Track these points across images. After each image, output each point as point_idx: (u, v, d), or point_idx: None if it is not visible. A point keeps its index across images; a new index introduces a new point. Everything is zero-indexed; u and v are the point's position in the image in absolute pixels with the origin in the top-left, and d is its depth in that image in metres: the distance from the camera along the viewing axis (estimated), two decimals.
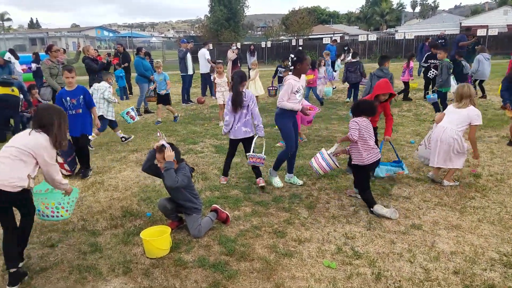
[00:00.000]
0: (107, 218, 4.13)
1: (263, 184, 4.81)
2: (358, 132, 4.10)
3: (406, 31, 31.22)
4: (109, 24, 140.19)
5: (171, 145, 3.67)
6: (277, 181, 4.93)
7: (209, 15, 38.42)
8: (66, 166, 5.46)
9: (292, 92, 4.51)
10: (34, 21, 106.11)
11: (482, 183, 4.84)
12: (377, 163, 4.27)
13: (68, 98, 5.13)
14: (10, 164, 2.88)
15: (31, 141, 2.97)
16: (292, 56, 4.66)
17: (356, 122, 4.14)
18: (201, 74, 12.30)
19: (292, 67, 4.64)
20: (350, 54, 15.79)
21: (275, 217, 4.07)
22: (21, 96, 8.06)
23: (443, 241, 3.52)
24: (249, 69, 11.02)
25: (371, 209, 4.06)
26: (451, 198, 4.45)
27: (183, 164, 3.72)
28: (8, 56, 8.95)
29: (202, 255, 3.35)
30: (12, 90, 7.63)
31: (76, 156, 5.56)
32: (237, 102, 4.69)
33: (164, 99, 8.82)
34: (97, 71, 9.10)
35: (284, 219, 4.00)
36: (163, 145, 3.57)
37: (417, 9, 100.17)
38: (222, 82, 8.44)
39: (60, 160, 5.27)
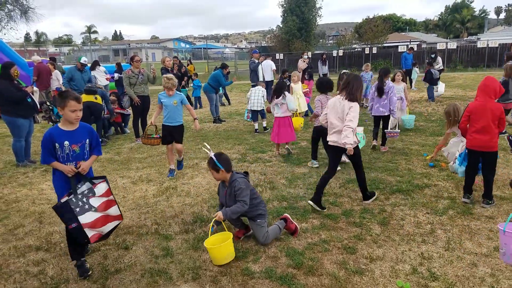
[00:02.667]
0: (179, 223, 4.29)
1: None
2: None
3: (489, 39, 28.67)
4: (185, 36, 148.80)
5: (220, 154, 3.66)
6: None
7: (281, 25, 38.90)
8: None
9: None
10: (118, 33, 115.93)
11: None
12: None
13: (66, 142, 3.23)
14: None
15: None
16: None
17: None
18: (266, 81, 12.70)
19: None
20: (440, 61, 14.97)
21: (345, 231, 3.91)
22: (104, 104, 8.78)
23: None
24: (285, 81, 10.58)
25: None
26: None
27: (235, 177, 3.61)
28: (84, 59, 9.58)
29: (269, 266, 3.32)
30: (96, 98, 8.26)
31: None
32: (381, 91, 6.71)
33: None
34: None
35: (355, 235, 3.83)
36: (211, 158, 3.58)
37: (502, 15, 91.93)
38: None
39: None
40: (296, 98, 8.78)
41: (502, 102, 6.88)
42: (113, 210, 3.36)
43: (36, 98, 7.17)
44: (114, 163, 6.80)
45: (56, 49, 51.08)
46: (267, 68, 12.80)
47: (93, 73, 12.38)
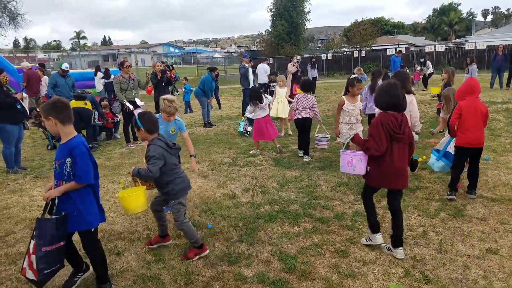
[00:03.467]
0: (171, 228, 4.23)
1: None
2: None
3: (477, 41, 29.15)
4: (175, 40, 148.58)
5: (144, 113, 3.44)
6: None
7: (270, 29, 39.06)
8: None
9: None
10: (107, 38, 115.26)
11: None
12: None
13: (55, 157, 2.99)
14: None
15: None
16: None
17: None
18: (259, 83, 13.16)
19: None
20: (430, 66, 15.24)
21: (337, 235, 3.91)
22: (94, 110, 8.71)
23: None
24: (268, 85, 10.90)
25: None
26: None
27: (152, 142, 3.38)
28: (65, 65, 9.40)
29: (262, 271, 3.29)
30: (85, 104, 8.22)
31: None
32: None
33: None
34: (155, 86, 9.66)
35: (347, 238, 3.82)
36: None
37: (489, 17, 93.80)
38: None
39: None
40: (278, 102, 8.71)
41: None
42: None
43: (25, 104, 7.07)
44: (105, 169, 6.72)
45: (45, 55, 50.55)
46: (262, 72, 13.19)
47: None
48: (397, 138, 3.29)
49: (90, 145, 8.20)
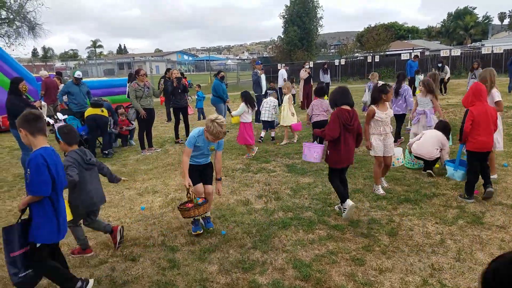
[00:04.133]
0: (185, 234, 4.26)
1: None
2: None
3: (494, 45, 28.65)
4: (188, 48, 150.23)
5: (63, 127, 3.70)
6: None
7: (282, 36, 39.18)
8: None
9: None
10: (122, 47, 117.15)
11: None
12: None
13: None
14: None
15: None
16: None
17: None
18: (279, 88, 13.44)
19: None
20: (447, 71, 15.04)
21: (352, 243, 3.86)
22: (110, 117, 8.83)
23: None
24: (266, 92, 10.92)
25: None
26: None
27: (68, 154, 3.57)
28: (78, 73, 9.50)
29: (277, 279, 3.27)
30: (102, 111, 8.36)
31: None
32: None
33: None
34: (171, 93, 9.71)
35: (363, 246, 3.77)
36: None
37: (506, 21, 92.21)
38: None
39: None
40: (282, 110, 8.79)
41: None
42: None
43: (44, 112, 7.22)
44: (121, 175, 6.69)
45: (62, 64, 51.63)
46: (280, 77, 14.35)
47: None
48: (348, 129, 4.35)
49: (106, 152, 8.33)
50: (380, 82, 11.37)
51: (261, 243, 3.92)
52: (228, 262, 3.58)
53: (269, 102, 8.86)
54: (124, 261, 3.73)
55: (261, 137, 9.08)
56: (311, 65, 24.06)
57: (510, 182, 5.29)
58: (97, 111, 8.26)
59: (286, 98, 8.80)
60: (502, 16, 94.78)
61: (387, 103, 5.22)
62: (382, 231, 4.07)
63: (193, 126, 11.64)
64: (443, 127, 6.02)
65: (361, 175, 6.06)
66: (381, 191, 5.14)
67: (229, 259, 3.64)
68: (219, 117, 3.96)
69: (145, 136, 8.53)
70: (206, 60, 58.26)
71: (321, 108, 7.44)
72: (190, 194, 3.98)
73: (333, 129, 4.29)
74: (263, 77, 12.01)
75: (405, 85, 8.07)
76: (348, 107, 4.40)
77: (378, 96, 5.14)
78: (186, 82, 11.32)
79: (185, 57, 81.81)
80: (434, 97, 6.68)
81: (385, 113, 5.11)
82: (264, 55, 56.13)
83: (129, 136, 9.71)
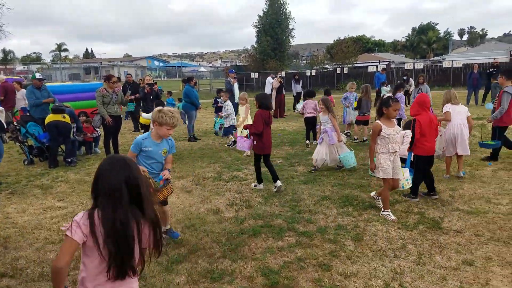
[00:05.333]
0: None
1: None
2: None
3: (454, 59, 30.26)
4: (159, 54, 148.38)
5: None
6: None
7: (255, 45, 39.58)
8: None
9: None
10: (89, 51, 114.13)
11: None
12: None
13: None
14: None
15: None
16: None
17: None
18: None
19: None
20: (412, 83, 15.69)
21: (320, 248, 3.95)
22: (74, 123, 8.58)
23: (497, 279, 3.26)
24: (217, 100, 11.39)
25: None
26: (505, 232, 4.14)
27: None
28: (39, 75, 9.10)
29: (245, 287, 3.30)
30: (64, 117, 8.03)
31: None
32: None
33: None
34: (142, 99, 9.62)
35: (329, 251, 3.87)
36: None
37: (465, 37, 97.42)
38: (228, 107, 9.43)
39: None
40: (238, 120, 8.99)
41: (360, 114, 9.39)
42: None
43: (2, 118, 6.92)
44: (84, 184, 6.62)
45: (24, 67, 49.55)
46: (267, 84, 15.62)
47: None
48: (268, 124, 5.79)
49: (69, 160, 8.02)
50: (386, 92, 11.55)
51: (230, 252, 3.95)
52: (196, 272, 3.57)
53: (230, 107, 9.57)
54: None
55: (232, 142, 9.23)
56: (283, 75, 24.40)
57: (467, 189, 5.59)
58: (59, 117, 7.95)
59: (242, 109, 8.68)
60: (461, 32, 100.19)
61: (394, 119, 4.70)
62: (348, 236, 4.20)
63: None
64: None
65: (329, 182, 6.21)
66: (392, 217, 4.63)
67: (197, 269, 3.63)
68: (165, 107, 3.81)
69: (111, 143, 8.35)
70: (178, 66, 57.72)
71: (311, 107, 9.00)
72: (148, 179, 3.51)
73: (258, 125, 5.65)
74: (236, 85, 12.10)
75: (399, 94, 8.80)
76: (267, 110, 5.82)
77: (380, 110, 4.64)
78: (157, 88, 11.12)
79: (156, 62, 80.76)
80: (332, 115, 6.76)
81: (392, 129, 4.56)
82: (238, 64, 56.35)
83: (93, 144, 9.45)
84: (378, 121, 4.64)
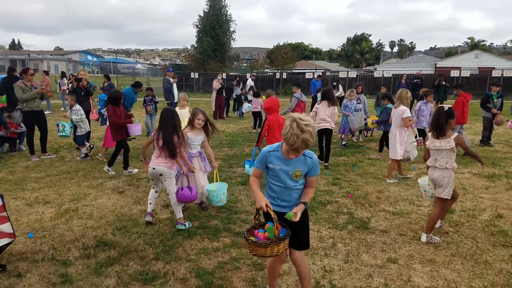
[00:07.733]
0: (80, 247, 3.98)
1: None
2: None
3: (384, 69, 32.62)
4: (93, 49, 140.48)
5: None
6: None
7: (196, 45, 39.10)
8: None
9: None
10: (16, 42, 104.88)
11: (455, 218, 4.92)
12: None
13: None
14: None
15: None
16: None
17: None
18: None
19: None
20: (341, 89, 16.48)
21: None
22: None
23: (418, 275, 3.53)
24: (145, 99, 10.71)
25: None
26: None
27: None
28: None
29: None
30: None
31: None
32: None
33: None
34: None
35: None
36: None
37: (395, 49, 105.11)
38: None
39: None
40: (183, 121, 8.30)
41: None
42: (6, 227, 3.35)
43: None
44: (7, 183, 6.08)
45: None
46: (248, 86, 17.18)
47: None
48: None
49: None
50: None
51: (164, 253, 3.86)
52: (127, 275, 3.44)
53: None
54: (8, 278, 3.35)
55: (84, 154, 8.45)
56: (224, 77, 24.43)
57: (393, 191, 6.02)
58: None
59: (183, 112, 7.51)
60: (392, 44, 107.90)
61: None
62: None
63: (95, 131, 10.94)
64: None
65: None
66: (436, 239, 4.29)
67: (128, 271, 3.50)
68: (303, 116, 2.51)
69: (40, 140, 7.82)
70: (113, 62, 54.89)
71: (258, 103, 11.96)
72: (259, 216, 2.74)
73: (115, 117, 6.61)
74: (175, 85, 11.84)
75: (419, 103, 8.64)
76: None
77: (446, 123, 4.12)
78: (85, 84, 10.22)
79: (89, 57, 76.29)
80: None
81: (440, 142, 4.14)
82: (177, 63, 55.17)
83: (18, 141, 8.70)
84: (429, 133, 4.31)
